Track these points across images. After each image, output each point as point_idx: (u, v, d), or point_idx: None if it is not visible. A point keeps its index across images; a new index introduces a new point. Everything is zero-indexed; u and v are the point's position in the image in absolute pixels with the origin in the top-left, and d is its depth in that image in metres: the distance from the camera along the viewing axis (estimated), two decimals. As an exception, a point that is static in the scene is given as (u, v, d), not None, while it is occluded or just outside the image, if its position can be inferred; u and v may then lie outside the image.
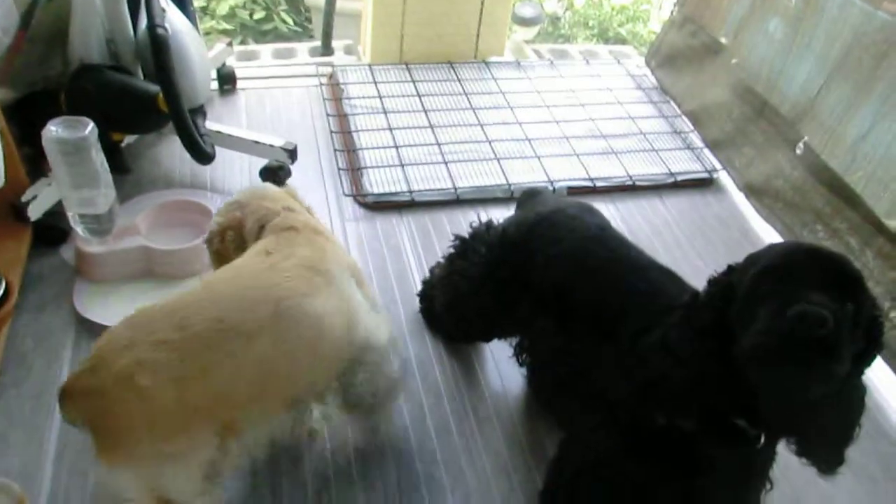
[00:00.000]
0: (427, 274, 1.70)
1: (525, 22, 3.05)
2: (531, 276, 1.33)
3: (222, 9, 3.59)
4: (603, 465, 1.13)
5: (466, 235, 1.52)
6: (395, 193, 2.02)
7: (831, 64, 1.87)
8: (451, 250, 1.55)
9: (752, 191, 2.11)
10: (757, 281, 0.91)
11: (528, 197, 1.54)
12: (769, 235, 2.03)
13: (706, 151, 2.31)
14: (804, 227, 1.93)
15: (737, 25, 2.30)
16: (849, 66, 1.82)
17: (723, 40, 2.36)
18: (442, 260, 1.67)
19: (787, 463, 1.13)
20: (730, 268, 1.01)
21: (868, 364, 0.97)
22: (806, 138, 1.93)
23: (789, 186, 2.00)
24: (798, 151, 1.97)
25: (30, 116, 1.72)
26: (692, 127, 2.41)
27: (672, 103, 2.53)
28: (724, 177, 2.24)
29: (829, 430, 1.00)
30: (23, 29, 1.69)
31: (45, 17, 1.73)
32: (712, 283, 1.03)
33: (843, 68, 1.84)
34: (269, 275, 1.08)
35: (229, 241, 1.21)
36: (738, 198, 2.17)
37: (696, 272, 1.88)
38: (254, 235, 1.18)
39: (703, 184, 2.22)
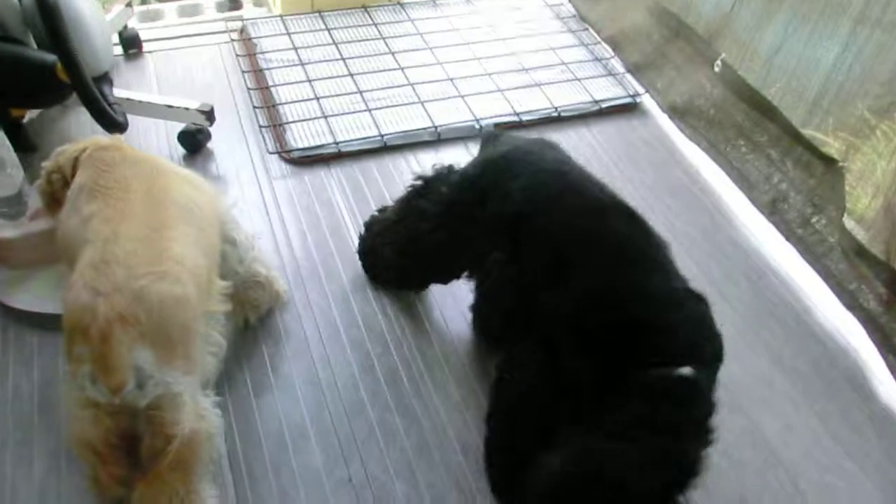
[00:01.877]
0: (362, 229, 1.68)
1: (438, -41, 2.97)
2: (487, 211, 1.34)
3: (118, -32, 3.38)
4: (536, 393, 1.17)
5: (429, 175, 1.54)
6: (321, 146, 1.97)
7: (741, -23, 1.89)
8: (409, 191, 1.55)
9: (675, 111, 2.14)
10: None
11: (489, 138, 1.54)
12: (695, 155, 2.07)
13: (628, 76, 2.33)
14: (727, 144, 1.98)
15: (648, -53, 2.29)
16: (758, -21, 1.84)
17: (635, -37, 2.35)
18: (377, 212, 1.65)
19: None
20: None
21: None
22: (723, 55, 1.96)
23: (710, 104, 2.03)
24: (716, 69, 2.00)
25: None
26: (612, 53, 2.42)
27: (591, 30, 2.53)
28: (647, 100, 2.26)
29: None
30: None
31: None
32: None
33: (753, -19, 1.86)
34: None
35: (55, 181, 1.32)
36: (663, 120, 2.20)
37: (627, 196, 1.92)
38: (69, 170, 1.29)
39: (628, 109, 2.24)
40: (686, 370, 1.10)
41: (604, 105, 2.22)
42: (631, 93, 2.27)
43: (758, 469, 1.39)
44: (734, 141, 1.96)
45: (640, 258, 1.24)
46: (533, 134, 2.11)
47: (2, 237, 1.54)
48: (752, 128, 1.91)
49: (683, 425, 1.10)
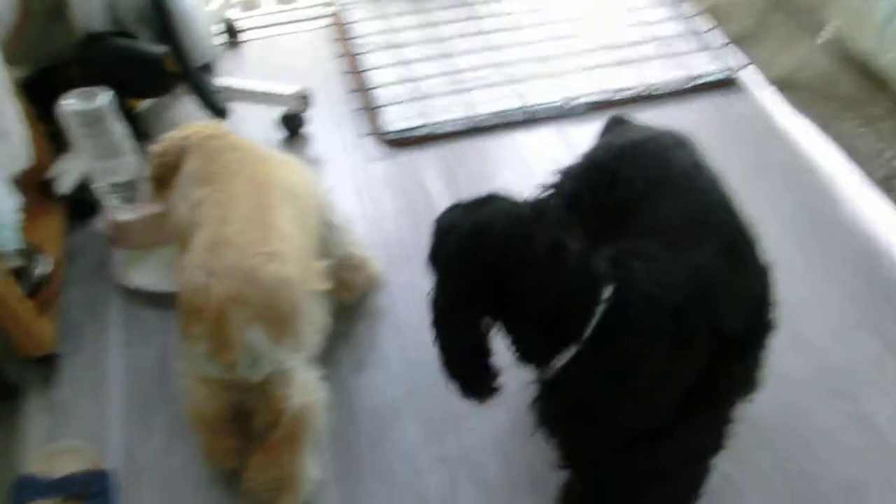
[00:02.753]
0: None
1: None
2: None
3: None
4: None
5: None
6: (415, 128, 2.00)
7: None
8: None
9: (781, 84, 2.05)
10: None
11: (615, 123, 1.45)
12: (796, 129, 1.98)
13: (725, 51, 2.24)
14: (835, 118, 1.88)
15: (749, -88, 2.19)
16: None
17: (736, -70, 2.25)
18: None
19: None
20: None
21: None
22: (831, 24, 1.86)
23: (816, 76, 1.93)
24: (824, 38, 1.90)
25: (43, 93, 1.72)
26: (712, 25, 2.33)
27: (688, 3, 2.44)
28: (745, 76, 2.17)
29: None
30: (25, 4, 1.68)
31: (42, -10, 1.71)
32: None
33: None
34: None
35: (161, 165, 1.39)
36: (762, 95, 2.11)
37: (726, 174, 1.86)
38: (174, 157, 1.36)
39: (724, 85, 2.16)
40: None
41: (700, 81, 2.14)
42: (727, 67, 2.18)
43: (867, 456, 1.33)
44: (842, 114, 1.86)
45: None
46: (625, 111, 2.07)
47: (121, 220, 1.65)
48: (863, 101, 1.81)
49: None
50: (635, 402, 1.00)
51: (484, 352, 0.98)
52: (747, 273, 1.10)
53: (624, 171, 1.21)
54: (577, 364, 0.96)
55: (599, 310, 0.94)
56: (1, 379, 1.37)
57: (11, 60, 1.57)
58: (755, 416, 1.39)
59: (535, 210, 0.98)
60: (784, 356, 1.49)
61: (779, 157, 1.94)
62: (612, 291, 0.94)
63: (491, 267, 0.92)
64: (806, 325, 1.54)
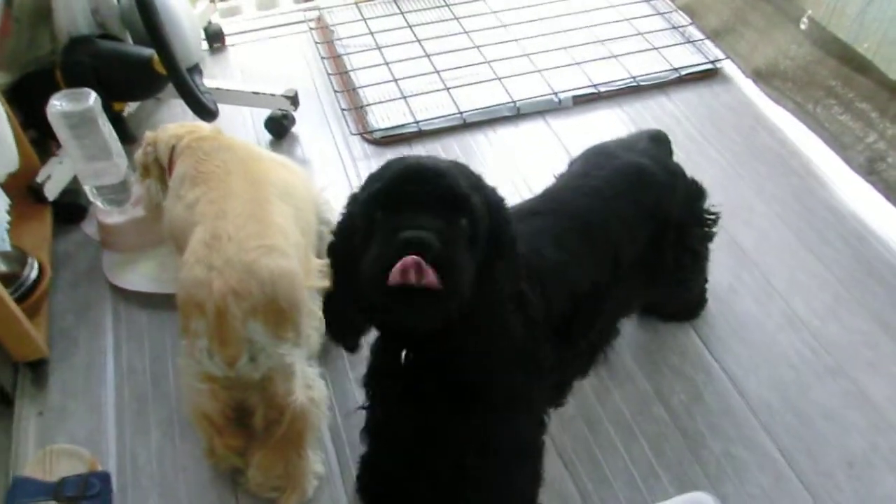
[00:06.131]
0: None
1: (505, -63, 2.96)
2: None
3: (196, -31, 3.50)
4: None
5: None
6: (402, 126, 2.01)
7: (828, -70, 1.81)
8: None
9: (759, 75, 2.08)
10: (366, 208, 0.86)
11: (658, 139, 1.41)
12: (781, 118, 2.01)
13: (707, 43, 2.27)
14: (816, 104, 1.91)
15: None
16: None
17: (712, -75, 2.29)
18: None
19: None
20: (353, 196, 0.95)
21: (505, 275, 0.92)
22: (809, 12, 1.89)
23: (796, 65, 1.96)
24: (803, 27, 1.93)
25: (28, 99, 1.71)
26: (689, 20, 2.36)
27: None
28: (728, 65, 2.20)
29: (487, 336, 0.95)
30: (7, 8, 1.66)
31: (25, -4, 1.70)
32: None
33: (841, -68, 1.78)
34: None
35: (149, 154, 1.43)
36: (746, 84, 2.14)
37: (712, 162, 1.89)
38: (166, 155, 1.39)
39: (709, 75, 2.19)
40: None
41: (683, 72, 2.17)
42: (711, 59, 2.21)
43: (864, 432, 1.35)
44: (824, 101, 1.89)
45: None
46: (612, 105, 2.09)
47: (110, 222, 1.63)
48: (844, 86, 1.84)
49: None
50: None
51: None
52: None
53: None
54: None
55: None
56: (-7, 384, 1.35)
57: (-5, 66, 1.56)
58: (755, 395, 1.41)
59: None
60: (780, 335, 1.51)
61: (765, 143, 1.96)
62: None
63: None
64: (799, 305, 1.56)
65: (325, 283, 1.34)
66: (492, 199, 0.91)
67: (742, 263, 1.65)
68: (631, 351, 1.49)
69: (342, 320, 1.01)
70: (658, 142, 1.36)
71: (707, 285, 1.52)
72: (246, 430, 1.25)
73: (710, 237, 1.38)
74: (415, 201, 0.83)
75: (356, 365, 1.48)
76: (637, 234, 1.20)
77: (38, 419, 1.39)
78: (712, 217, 1.36)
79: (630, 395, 1.42)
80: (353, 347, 1.03)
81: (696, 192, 1.34)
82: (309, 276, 1.29)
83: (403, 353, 0.98)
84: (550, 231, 1.10)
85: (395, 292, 0.80)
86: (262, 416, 1.22)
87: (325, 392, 1.26)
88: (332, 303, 1.01)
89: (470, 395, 1.01)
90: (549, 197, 1.23)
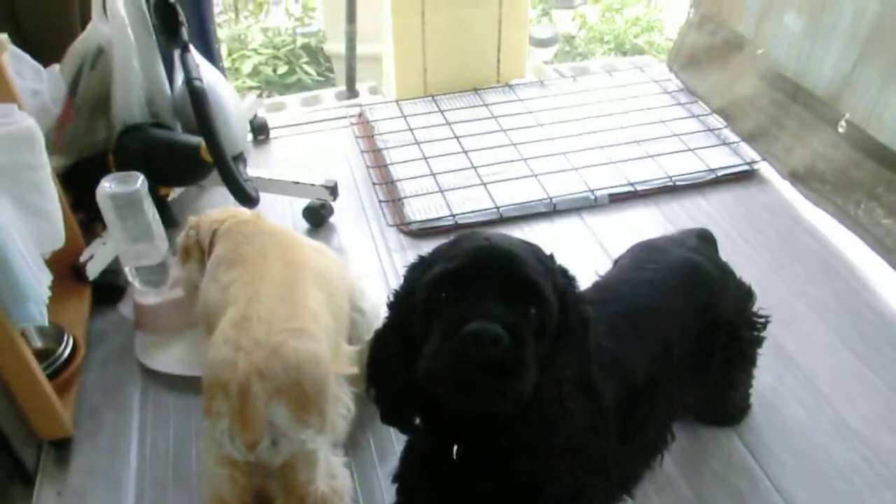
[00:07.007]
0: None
1: (542, 43, 3.09)
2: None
3: (246, 67, 3.70)
4: None
5: None
6: (439, 219, 2.03)
7: (862, 38, 1.85)
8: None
9: (796, 177, 2.08)
10: (432, 288, 0.82)
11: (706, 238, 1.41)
12: (820, 220, 1.99)
13: (743, 145, 2.29)
14: (857, 206, 1.89)
15: (757, 16, 2.29)
16: (883, 37, 1.80)
17: (744, 33, 2.35)
18: None
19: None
20: (420, 259, 0.91)
21: (571, 361, 0.88)
22: (847, 115, 1.90)
23: (834, 167, 1.96)
24: (841, 130, 1.94)
25: (80, 182, 1.77)
26: (724, 123, 2.39)
27: (700, 103, 2.52)
28: (765, 167, 2.21)
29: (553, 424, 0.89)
30: (70, 97, 1.76)
31: (89, 85, 1.79)
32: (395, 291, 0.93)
33: (876, 40, 1.81)
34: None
35: (191, 237, 1.45)
36: (783, 186, 2.13)
37: (750, 263, 1.86)
38: (208, 237, 1.41)
39: (745, 176, 2.19)
40: None
41: (720, 173, 2.18)
42: (748, 160, 2.22)
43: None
44: (866, 203, 1.87)
45: None
46: (649, 204, 2.10)
47: (146, 303, 1.65)
48: (886, 189, 1.82)
49: None
50: None
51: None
52: None
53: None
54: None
55: None
56: (15, 460, 1.33)
57: (53, 150, 1.63)
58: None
59: None
60: (829, 443, 1.43)
61: (805, 245, 1.93)
62: None
63: None
64: (848, 412, 1.49)
65: (354, 369, 1.33)
66: (562, 283, 0.88)
67: (786, 366, 1.59)
68: (671, 455, 1.41)
69: (394, 397, 0.96)
70: (706, 241, 1.35)
71: (751, 389, 1.47)
72: (265, 520, 1.20)
73: (759, 341, 1.33)
74: (484, 286, 0.79)
75: (385, 458, 1.43)
76: (688, 331, 1.17)
77: (57, 500, 1.36)
78: (762, 321, 1.32)
79: (671, 502, 1.34)
80: (405, 428, 0.98)
81: (745, 294, 1.31)
82: (338, 361, 1.27)
83: (455, 448, 0.92)
84: (603, 320, 1.06)
85: (457, 388, 0.77)
86: None
87: (350, 483, 1.22)
88: (384, 380, 0.96)
89: (527, 495, 0.94)
90: (600, 287, 1.21)
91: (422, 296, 0.84)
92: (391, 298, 0.94)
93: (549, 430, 0.88)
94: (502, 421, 0.85)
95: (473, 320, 0.75)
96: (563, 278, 0.89)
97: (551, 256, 0.90)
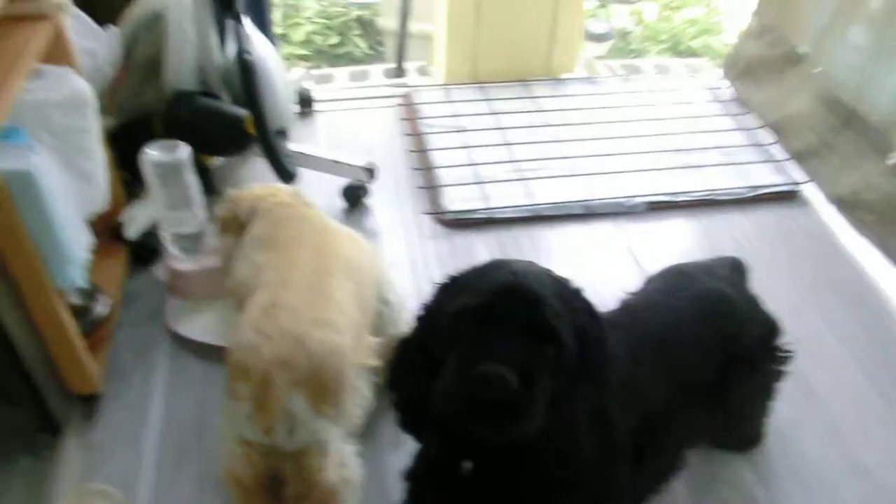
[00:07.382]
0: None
1: (596, 38, 3.04)
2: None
3: (299, 35, 3.70)
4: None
5: None
6: (473, 210, 2.03)
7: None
8: None
9: (842, 203, 2.03)
10: (453, 321, 0.86)
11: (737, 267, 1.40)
12: (860, 249, 1.95)
13: (789, 164, 2.24)
14: (900, 241, 1.85)
15: (819, 33, 2.23)
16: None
17: (804, 49, 2.29)
18: None
19: None
20: (451, 279, 0.95)
21: (587, 396, 0.90)
22: (901, 148, 1.86)
23: (881, 198, 1.91)
24: (890, 162, 1.89)
25: (125, 142, 1.80)
26: (774, 139, 2.35)
27: (751, 115, 2.47)
28: (808, 190, 2.17)
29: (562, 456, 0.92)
30: (125, 60, 1.78)
31: (143, 49, 1.82)
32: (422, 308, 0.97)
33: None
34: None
35: (231, 211, 1.46)
36: (825, 211, 2.09)
37: (782, 287, 1.83)
38: (246, 214, 1.42)
39: (787, 196, 2.15)
40: None
41: (762, 191, 2.14)
42: (791, 181, 2.18)
43: None
44: (909, 239, 1.83)
45: None
46: (686, 216, 2.08)
47: (181, 269, 1.68)
48: (932, 227, 1.78)
49: None
50: None
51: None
52: None
53: None
54: None
55: None
56: (45, 412, 1.38)
57: (104, 110, 1.66)
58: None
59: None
60: (843, 483, 1.42)
61: (841, 274, 1.90)
62: None
63: None
64: (867, 454, 1.47)
65: (376, 361, 1.35)
66: (586, 322, 0.89)
67: (807, 399, 1.57)
68: (681, 476, 1.42)
69: (411, 408, 1.00)
70: (738, 271, 1.35)
71: (767, 419, 1.46)
72: (278, 502, 1.24)
73: (780, 376, 1.33)
74: (503, 325, 0.83)
75: (399, 445, 1.46)
76: (710, 361, 1.17)
77: (81, 454, 1.41)
78: (785, 356, 1.32)
79: (674, 523, 1.35)
80: (420, 438, 1.03)
81: (772, 328, 1.30)
82: (361, 353, 1.29)
83: (464, 464, 0.95)
84: (626, 344, 1.08)
85: (466, 422, 0.81)
86: (293, 489, 1.20)
87: (360, 472, 1.24)
88: (404, 388, 1.01)
89: None
90: (627, 309, 1.22)
91: (444, 323, 0.87)
92: (421, 311, 0.96)
93: (558, 463, 0.90)
94: (512, 449, 0.87)
95: (488, 360, 0.79)
96: (588, 317, 0.90)
97: (577, 292, 0.91)
